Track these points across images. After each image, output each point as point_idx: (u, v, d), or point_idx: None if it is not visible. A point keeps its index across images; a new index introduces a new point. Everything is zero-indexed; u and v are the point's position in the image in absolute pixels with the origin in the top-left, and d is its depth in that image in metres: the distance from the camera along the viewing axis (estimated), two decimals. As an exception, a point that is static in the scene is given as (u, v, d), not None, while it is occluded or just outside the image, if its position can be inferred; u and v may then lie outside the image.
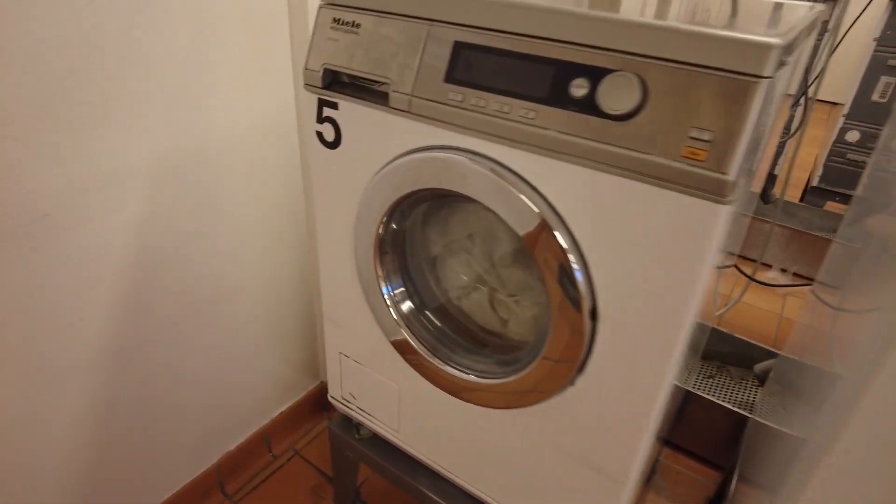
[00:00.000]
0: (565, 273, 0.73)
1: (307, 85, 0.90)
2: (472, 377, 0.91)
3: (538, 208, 0.72)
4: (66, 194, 0.91)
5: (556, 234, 0.72)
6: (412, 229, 0.98)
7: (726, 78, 0.59)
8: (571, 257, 0.72)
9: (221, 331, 1.28)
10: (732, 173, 0.60)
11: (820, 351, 0.80)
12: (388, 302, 0.96)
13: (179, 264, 1.13)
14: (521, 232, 0.74)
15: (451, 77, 0.75)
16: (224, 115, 1.10)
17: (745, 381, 1.44)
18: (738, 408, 1.31)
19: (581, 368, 0.79)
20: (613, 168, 0.66)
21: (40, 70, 0.82)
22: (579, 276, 0.73)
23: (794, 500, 0.64)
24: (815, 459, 0.61)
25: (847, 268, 0.81)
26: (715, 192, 0.61)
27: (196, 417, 1.31)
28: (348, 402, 1.19)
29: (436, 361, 0.94)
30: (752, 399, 1.39)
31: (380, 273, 0.95)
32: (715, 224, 0.63)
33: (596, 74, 0.65)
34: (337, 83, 0.88)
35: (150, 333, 1.13)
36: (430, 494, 1.10)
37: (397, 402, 1.09)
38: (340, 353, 1.13)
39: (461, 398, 0.94)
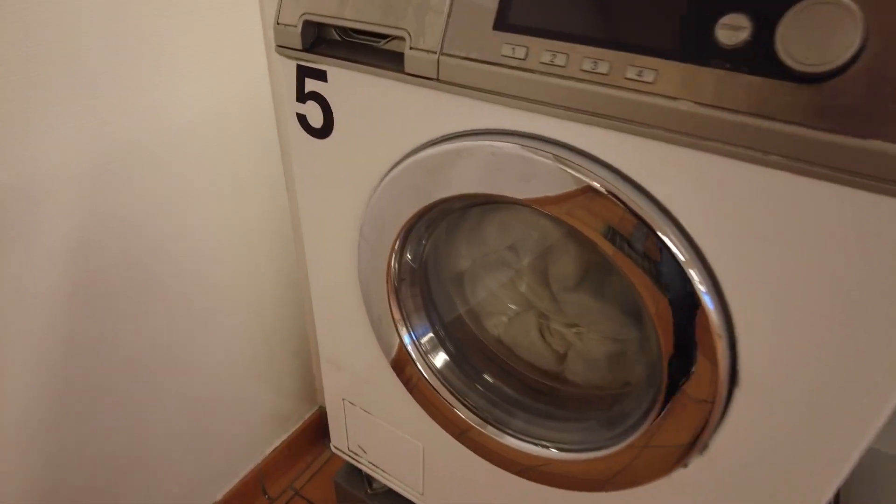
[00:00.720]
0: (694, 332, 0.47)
1: (280, 47, 0.61)
2: (538, 450, 0.65)
3: (663, 233, 0.46)
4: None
5: (692, 273, 0.45)
6: (436, 243, 0.71)
7: None
8: (711, 307, 0.46)
9: (196, 364, 1.02)
10: None
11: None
12: (413, 354, 0.70)
13: (134, 292, 0.86)
14: (629, 274, 0.48)
15: (505, 21, 0.47)
16: (177, 101, 0.81)
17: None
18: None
19: (701, 446, 0.54)
20: (796, 163, 0.39)
21: None
22: (725, 339, 0.47)
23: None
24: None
25: None
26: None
27: (173, 470, 1.06)
28: (357, 455, 0.94)
29: (489, 431, 0.68)
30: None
31: (396, 315, 0.69)
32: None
33: (771, 4, 0.38)
34: (324, 42, 0.60)
35: (108, 379, 0.87)
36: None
37: (421, 462, 0.84)
38: (344, 399, 0.88)
39: (522, 476, 0.69)
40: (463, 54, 0.49)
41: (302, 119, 0.64)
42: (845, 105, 0.37)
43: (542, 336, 0.77)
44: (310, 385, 1.34)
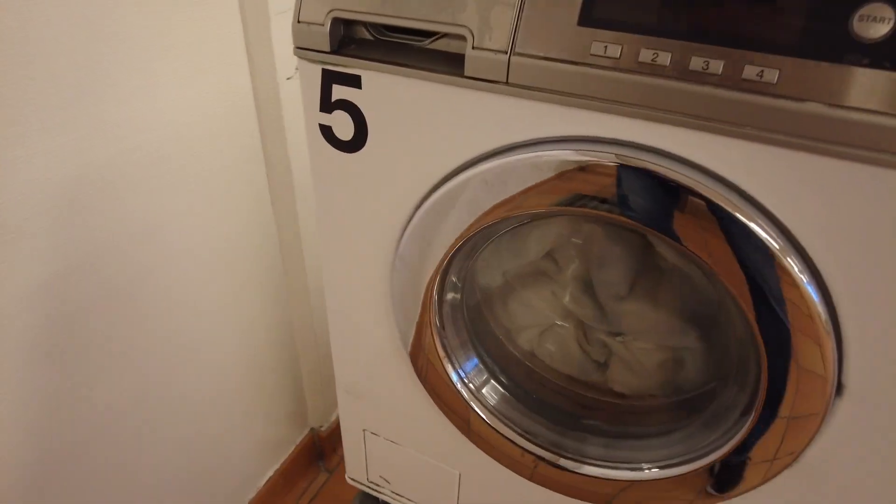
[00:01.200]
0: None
1: (302, 49, 0.53)
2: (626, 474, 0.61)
3: (780, 246, 0.42)
4: None
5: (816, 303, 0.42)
6: (475, 262, 0.65)
7: None
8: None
9: (184, 402, 0.91)
10: None
11: None
12: (465, 394, 0.64)
13: (115, 329, 0.75)
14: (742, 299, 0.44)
15: (592, 16, 0.42)
16: (152, 113, 0.71)
17: None
18: None
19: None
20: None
21: None
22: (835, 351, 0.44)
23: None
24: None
25: None
26: None
27: (159, 521, 0.95)
28: (378, 486, 0.87)
29: (565, 464, 0.63)
30: None
31: (441, 352, 0.62)
32: None
33: (920, -9, 0.34)
34: (353, 43, 0.52)
35: (91, 430, 0.76)
36: None
37: (457, 489, 0.78)
38: (365, 430, 0.81)
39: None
40: (541, 54, 0.43)
41: (326, 131, 0.56)
42: None
43: (580, 346, 0.73)
44: (301, 408, 1.25)
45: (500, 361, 0.69)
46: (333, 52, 0.52)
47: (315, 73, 0.54)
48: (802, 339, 0.44)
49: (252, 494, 1.16)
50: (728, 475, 0.54)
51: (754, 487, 0.53)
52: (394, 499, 0.87)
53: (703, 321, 0.62)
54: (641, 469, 0.58)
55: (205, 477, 1.02)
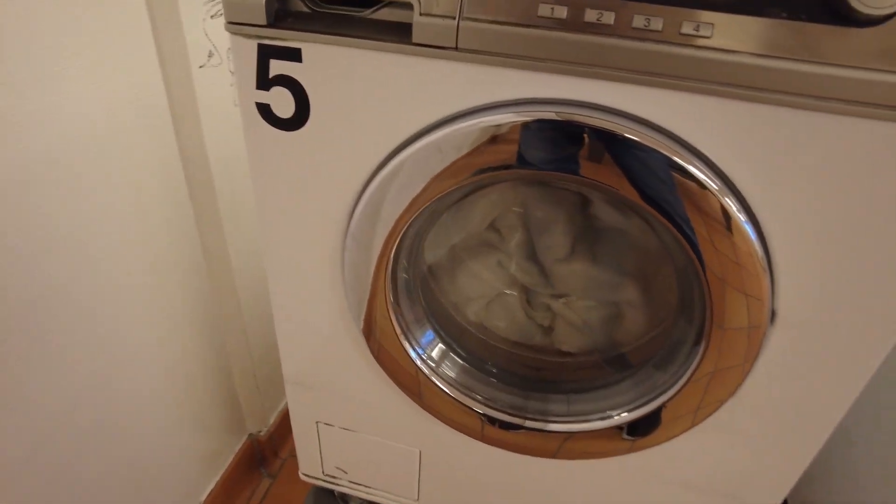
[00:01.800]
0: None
1: (234, 24, 0.50)
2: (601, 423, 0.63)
3: (718, 187, 0.46)
4: None
5: (746, 229, 0.46)
6: (423, 237, 0.65)
7: None
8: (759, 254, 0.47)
9: (115, 430, 0.84)
10: None
11: None
12: (426, 370, 0.64)
13: (34, 351, 0.68)
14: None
15: (537, -21, 0.43)
16: (54, 114, 0.64)
17: None
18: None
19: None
20: (853, 106, 0.41)
21: None
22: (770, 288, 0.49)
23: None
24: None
25: None
26: None
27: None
28: (335, 477, 0.85)
29: (531, 425, 0.65)
30: None
31: (397, 329, 0.62)
32: None
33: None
34: (288, 16, 0.50)
35: (10, 470, 0.68)
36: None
37: (417, 467, 0.79)
38: (318, 421, 0.79)
39: (554, 457, 0.67)
40: (489, 17, 0.44)
41: (264, 109, 0.54)
42: (896, 45, 0.39)
43: (526, 314, 0.76)
44: (236, 414, 1.19)
45: (453, 334, 0.70)
46: (270, 25, 0.49)
47: (251, 49, 0.51)
48: (738, 268, 0.48)
49: (193, 511, 1.10)
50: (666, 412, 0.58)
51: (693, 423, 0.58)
52: (352, 489, 0.86)
53: (641, 274, 0.67)
54: (611, 417, 0.61)
55: (141, 498, 0.95)
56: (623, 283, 0.68)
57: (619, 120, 0.45)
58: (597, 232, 0.68)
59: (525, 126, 0.46)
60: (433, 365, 0.65)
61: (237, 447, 1.21)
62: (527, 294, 0.75)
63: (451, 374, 0.66)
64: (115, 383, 0.84)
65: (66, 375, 0.74)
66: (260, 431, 1.24)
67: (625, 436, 0.62)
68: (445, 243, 0.71)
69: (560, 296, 0.73)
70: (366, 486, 0.84)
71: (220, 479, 1.16)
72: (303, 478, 0.88)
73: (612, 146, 0.46)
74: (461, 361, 0.68)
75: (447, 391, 0.65)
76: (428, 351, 0.65)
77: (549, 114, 0.46)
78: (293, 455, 1.27)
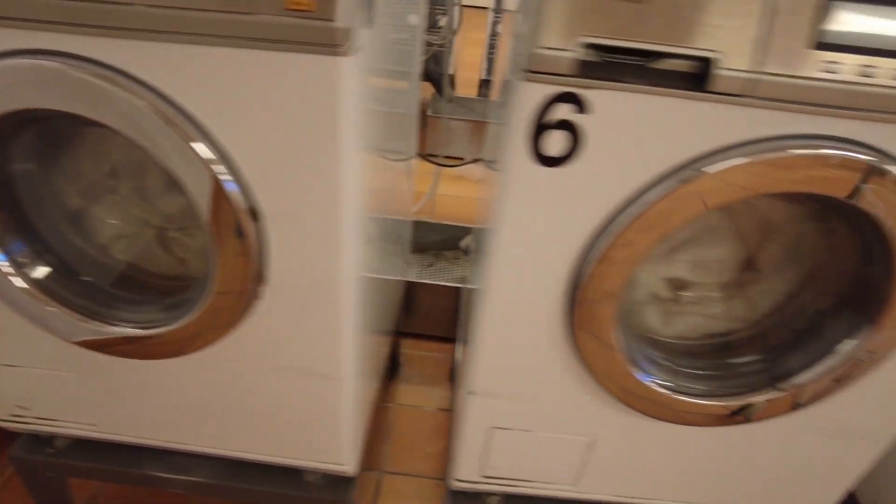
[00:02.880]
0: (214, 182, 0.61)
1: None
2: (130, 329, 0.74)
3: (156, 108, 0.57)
4: None
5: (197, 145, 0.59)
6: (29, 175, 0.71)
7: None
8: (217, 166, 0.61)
9: None
10: (342, 18, 0.52)
11: (487, 215, 0.82)
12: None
13: None
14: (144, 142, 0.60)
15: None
16: None
17: (458, 260, 1.54)
18: (457, 283, 1.40)
19: (261, 278, 0.70)
20: (219, 38, 0.54)
21: None
22: (230, 186, 0.62)
23: (474, 342, 0.75)
24: (481, 303, 0.72)
25: (496, 141, 0.82)
26: (328, 42, 0.53)
27: None
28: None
29: (98, 325, 0.74)
30: (465, 273, 1.47)
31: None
32: (338, 78, 0.55)
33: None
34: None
35: None
36: (160, 474, 0.92)
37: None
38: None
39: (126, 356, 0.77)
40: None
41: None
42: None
43: (165, 249, 0.81)
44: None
45: (72, 261, 0.76)
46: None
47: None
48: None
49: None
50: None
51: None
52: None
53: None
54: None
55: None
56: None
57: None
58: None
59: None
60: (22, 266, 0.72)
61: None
62: (158, 231, 0.78)
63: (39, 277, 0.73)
64: None
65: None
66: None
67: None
68: (74, 192, 0.75)
69: (182, 227, 0.77)
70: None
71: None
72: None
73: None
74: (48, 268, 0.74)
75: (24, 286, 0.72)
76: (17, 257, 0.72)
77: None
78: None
